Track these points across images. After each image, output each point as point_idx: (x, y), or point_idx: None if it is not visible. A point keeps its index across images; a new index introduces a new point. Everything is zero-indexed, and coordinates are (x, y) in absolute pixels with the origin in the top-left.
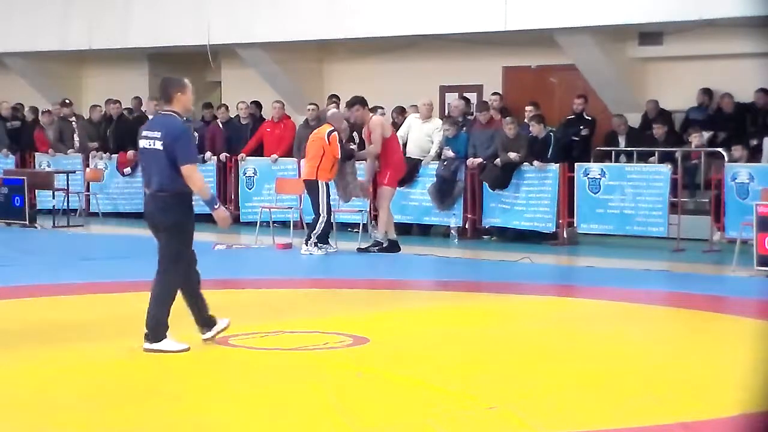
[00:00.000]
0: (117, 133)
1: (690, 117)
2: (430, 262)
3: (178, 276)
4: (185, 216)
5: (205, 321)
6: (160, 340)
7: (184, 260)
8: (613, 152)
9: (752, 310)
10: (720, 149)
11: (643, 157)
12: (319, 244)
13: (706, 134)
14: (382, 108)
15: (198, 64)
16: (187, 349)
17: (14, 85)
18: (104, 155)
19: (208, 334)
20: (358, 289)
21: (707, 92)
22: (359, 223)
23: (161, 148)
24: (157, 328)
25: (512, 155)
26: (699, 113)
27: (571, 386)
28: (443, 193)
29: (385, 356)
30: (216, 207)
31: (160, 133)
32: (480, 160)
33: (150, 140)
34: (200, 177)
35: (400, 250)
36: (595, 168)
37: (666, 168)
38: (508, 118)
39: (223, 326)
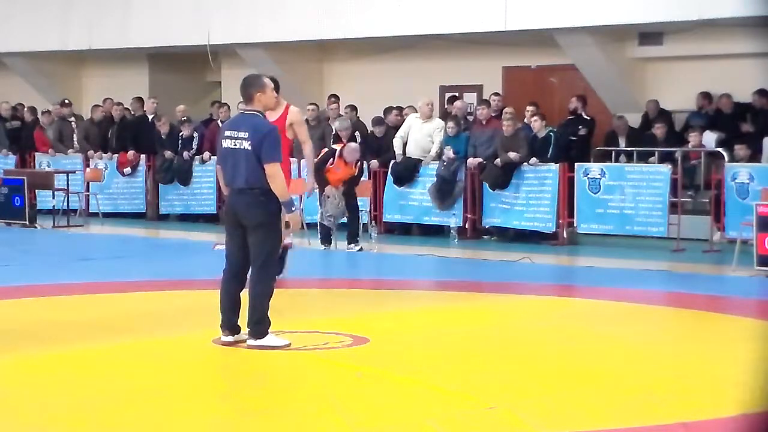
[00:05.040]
0: (119, 133)
1: (690, 123)
2: (430, 262)
3: (274, 270)
4: (275, 212)
5: (233, 326)
6: (263, 337)
7: (278, 254)
8: (613, 152)
9: (752, 310)
10: (720, 149)
11: (643, 157)
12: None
13: (713, 135)
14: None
15: (198, 64)
16: (289, 345)
17: (14, 85)
18: (104, 155)
19: (228, 339)
20: (358, 289)
21: (707, 96)
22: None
23: (249, 148)
24: (260, 326)
25: (512, 155)
26: (699, 119)
27: (571, 386)
28: (443, 193)
29: (385, 356)
30: (293, 209)
31: (247, 133)
32: (480, 160)
33: (235, 140)
34: (283, 177)
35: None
36: (595, 168)
37: (666, 168)
38: (507, 111)
39: (243, 338)
